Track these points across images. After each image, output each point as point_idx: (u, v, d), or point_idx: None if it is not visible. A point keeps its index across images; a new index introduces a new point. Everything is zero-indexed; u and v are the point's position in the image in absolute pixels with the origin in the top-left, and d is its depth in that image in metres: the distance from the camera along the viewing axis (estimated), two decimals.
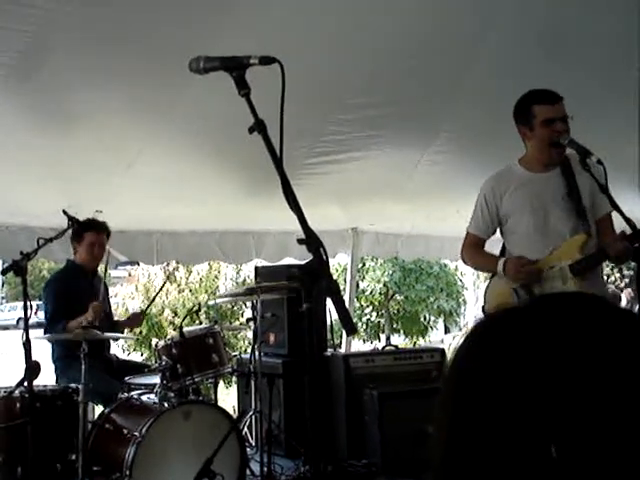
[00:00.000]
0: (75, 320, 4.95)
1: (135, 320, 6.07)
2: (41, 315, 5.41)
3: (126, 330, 5.93)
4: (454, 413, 0.71)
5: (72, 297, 5.19)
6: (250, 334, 6.46)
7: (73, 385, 4.48)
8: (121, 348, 11.67)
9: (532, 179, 3.95)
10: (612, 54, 4.76)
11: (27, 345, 3.91)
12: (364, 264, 17.05)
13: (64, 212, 4.40)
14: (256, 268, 6.91)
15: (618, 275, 19.11)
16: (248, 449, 5.03)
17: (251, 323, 5.57)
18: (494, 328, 0.74)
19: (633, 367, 0.65)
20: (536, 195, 3.92)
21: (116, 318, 7.23)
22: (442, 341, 19.08)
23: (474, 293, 20.45)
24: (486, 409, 0.68)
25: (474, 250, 4.17)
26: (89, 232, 5.26)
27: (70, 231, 5.02)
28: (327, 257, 2.04)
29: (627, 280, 18.80)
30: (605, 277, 17.86)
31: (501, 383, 0.68)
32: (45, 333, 5.09)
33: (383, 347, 6.72)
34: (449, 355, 6.13)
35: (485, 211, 4.06)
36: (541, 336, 0.69)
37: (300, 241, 2.06)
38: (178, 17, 4.06)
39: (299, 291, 2.18)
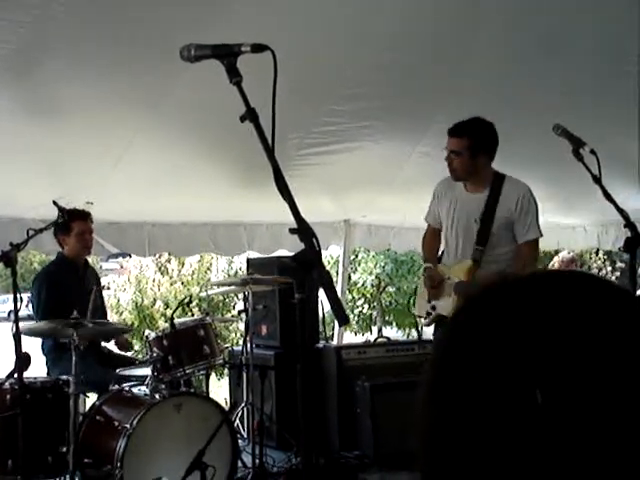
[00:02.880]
0: None
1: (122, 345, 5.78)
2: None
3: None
4: (445, 375, 0.72)
5: (62, 292, 5.16)
6: (242, 326, 6.46)
7: (64, 377, 4.45)
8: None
9: (463, 197, 4.47)
10: (611, 48, 4.76)
11: (17, 337, 3.89)
12: (356, 256, 17.06)
13: (54, 203, 4.36)
14: (248, 260, 6.90)
15: (610, 268, 19.15)
16: (240, 441, 5.02)
17: (243, 315, 5.55)
18: (487, 297, 0.75)
19: (621, 335, 0.68)
20: (459, 213, 4.49)
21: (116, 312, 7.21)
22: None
23: None
24: (473, 371, 0.69)
25: (428, 238, 4.84)
26: (76, 222, 5.22)
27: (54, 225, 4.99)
28: (319, 247, 2.02)
29: (618, 273, 18.84)
30: (597, 270, 17.82)
31: (491, 344, 0.69)
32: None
33: (375, 339, 6.71)
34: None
35: (434, 206, 4.71)
36: (534, 302, 0.71)
37: (292, 231, 2.04)
38: (172, 8, 4.03)
39: (291, 282, 2.17)
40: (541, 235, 4.39)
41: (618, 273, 18.83)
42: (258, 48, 2.12)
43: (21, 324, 3.97)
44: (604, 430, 0.64)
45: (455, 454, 0.69)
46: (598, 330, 0.67)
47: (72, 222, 5.19)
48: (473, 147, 4.29)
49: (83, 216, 5.27)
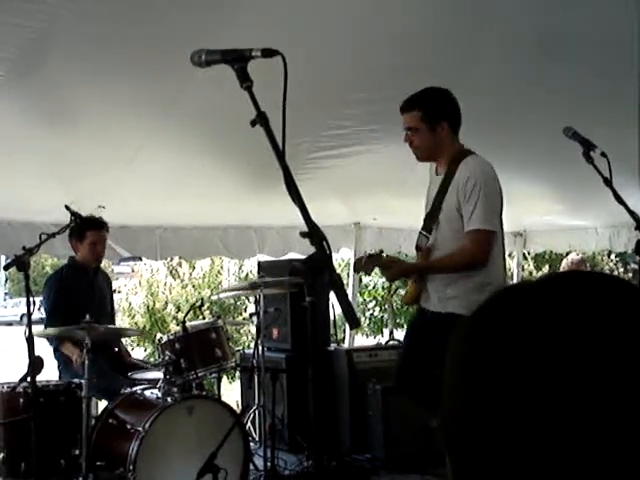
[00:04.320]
0: (65, 346, 5.02)
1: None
2: (44, 311, 5.41)
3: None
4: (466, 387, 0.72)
5: (71, 295, 5.19)
6: (253, 329, 6.46)
7: (76, 380, 4.48)
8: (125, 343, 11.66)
9: (432, 180, 4.08)
10: (612, 49, 4.74)
11: (30, 340, 3.91)
12: None
13: (67, 207, 4.38)
14: (259, 263, 6.91)
15: (622, 270, 19.05)
16: (252, 444, 5.04)
17: (254, 318, 5.56)
18: (507, 305, 0.75)
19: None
20: (427, 199, 4.08)
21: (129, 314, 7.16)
22: None
23: None
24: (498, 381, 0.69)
25: None
26: (90, 231, 5.23)
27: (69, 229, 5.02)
28: (330, 250, 2.03)
29: (630, 275, 18.75)
30: (609, 271, 17.73)
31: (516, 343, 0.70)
32: (45, 329, 5.10)
33: (386, 342, 6.71)
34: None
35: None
36: (555, 302, 0.71)
37: (303, 234, 2.05)
38: (180, 12, 4.05)
39: (302, 285, 2.17)
40: (491, 229, 3.82)
41: (630, 275, 18.74)
42: (269, 53, 2.14)
43: (34, 328, 3.99)
44: (622, 427, 0.65)
45: (490, 444, 0.69)
46: (616, 328, 0.68)
47: (87, 230, 5.21)
48: (429, 117, 3.90)
49: (98, 226, 5.28)
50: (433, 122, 3.90)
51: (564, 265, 7.91)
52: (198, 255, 8.17)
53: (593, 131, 3.77)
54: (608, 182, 3.46)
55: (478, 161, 3.88)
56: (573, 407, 0.65)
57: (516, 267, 9.78)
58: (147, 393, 4.68)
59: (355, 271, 4.16)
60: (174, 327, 10.80)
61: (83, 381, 4.31)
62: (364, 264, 4.04)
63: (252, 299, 6.78)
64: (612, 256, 18.52)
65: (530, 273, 16.46)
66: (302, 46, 4.13)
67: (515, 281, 9.82)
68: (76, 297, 5.15)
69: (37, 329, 4.37)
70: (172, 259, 12.05)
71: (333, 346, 6.20)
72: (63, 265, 5.59)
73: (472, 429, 0.70)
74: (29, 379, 4.05)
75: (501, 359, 0.69)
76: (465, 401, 0.71)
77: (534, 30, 4.65)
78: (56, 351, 5.21)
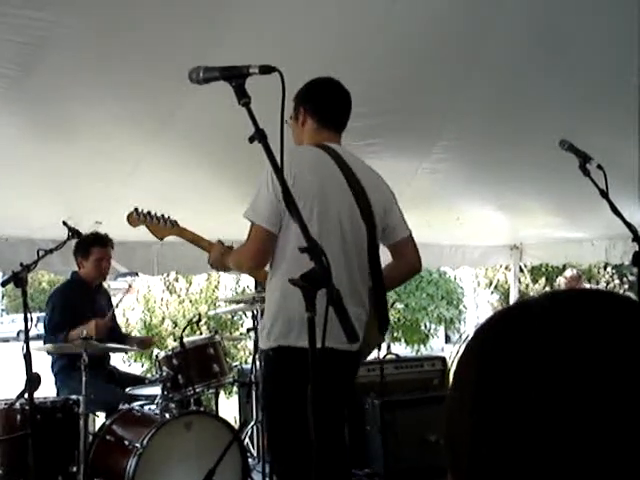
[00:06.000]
0: (75, 330, 4.93)
1: (146, 343, 6.20)
2: (41, 327, 5.40)
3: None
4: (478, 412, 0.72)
5: (74, 310, 5.19)
6: (250, 344, 6.45)
7: (74, 397, 4.46)
8: (122, 359, 11.62)
9: None
10: (611, 58, 4.76)
11: (27, 357, 3.89)
12: None
13: (64, 223, 4.38)
14: None
15: (618, 282, 19.05)
16: (250, 460, 5.02)
17: (251, 333, 5.56)
18: (513, 326, 0.74)
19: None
20: None
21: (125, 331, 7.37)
22: (442, 349, 19.06)
23: (474, 300, 20.45)
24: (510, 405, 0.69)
25: None
26: (96, 247, 5.25)
27: (73, 245, 5.02)
28: (329, 265, 2.03)
29: (627, 287, 18.75)
30: (605, 284, 17.70)
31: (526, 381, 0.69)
32: (44, 343, 5.09)
33: (384, 356, 6.69)
34: (453, 363, 6.13)
35: None
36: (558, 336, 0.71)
37: (302, 250, 2.05)
38: (177, 28, 4.06)
39: None
40: (257, 223, 3.55)
41: (627, 287, 18.75)
42: (266, 70, 2.14)
43: (32, 344, 3.98)
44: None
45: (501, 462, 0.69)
46: (622, 347, 0.68)
47: (92, 247, 5.23)
48: (295, 106, 3.58)
49: (103, 242, 5.29)
50: (296, 110, 3.60)
51: (561, 282, 7.92)
52: (195, 270, 8.14)
53: (590, 143, 3.79)
54: (604, 194, 3.47)
55: (298, 148, 3.57)
56: (589, 430, 0.65)
57: (513, 280, 9.79)
58: (145, 409, 4.67)
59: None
60: (171, 343, 10.77)
61: (80, 397, 4.30)
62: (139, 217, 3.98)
63: (249, 314, 6.78)
64: (608, 268, 18.53)
65: (527, 286, 16.46)
66: (295, 61, 4.13)
67: (513, 293, 9.83)
68: (78, 313, 5.15)
69: (35, 345, 4.35)
70: (169, 274, 12.04)
71: None
72: (66, 280, 5.58)
73: (485, 450, 0.70)
74: (26, 396, 4.03)
75: (518, 383, 0.69)
76: (479, 422, 0.71)
77: (533, 37, 4.66)
78: (58, 371, 5.21)
